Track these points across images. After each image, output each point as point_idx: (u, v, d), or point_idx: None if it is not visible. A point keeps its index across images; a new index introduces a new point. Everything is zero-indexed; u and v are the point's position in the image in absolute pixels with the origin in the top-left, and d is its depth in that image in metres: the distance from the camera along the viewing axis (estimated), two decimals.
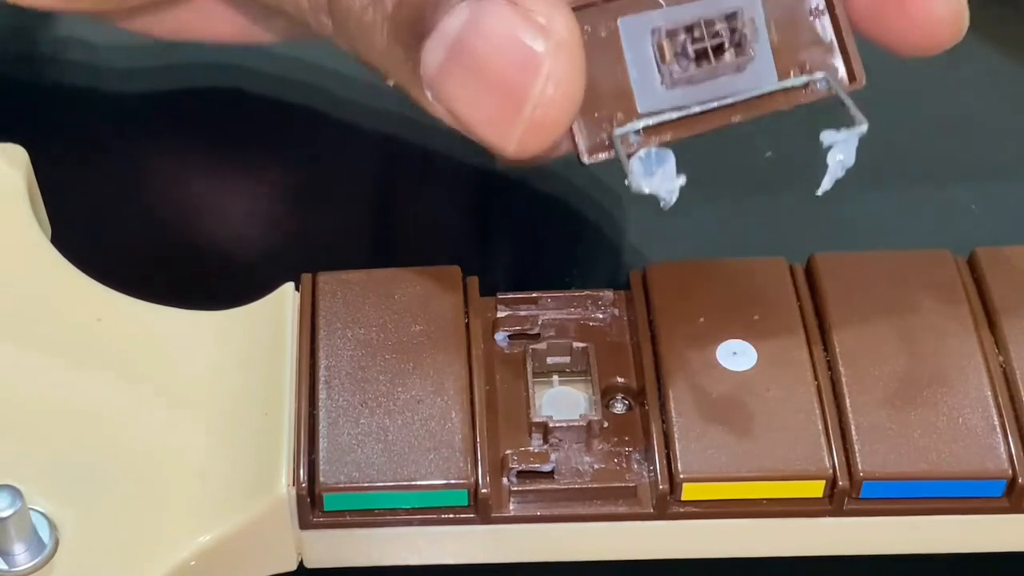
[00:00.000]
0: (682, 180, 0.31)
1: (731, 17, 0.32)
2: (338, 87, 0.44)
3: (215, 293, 0.36)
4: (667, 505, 0.32)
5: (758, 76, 0.32)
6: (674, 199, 0.31)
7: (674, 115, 0.32)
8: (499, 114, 0.31)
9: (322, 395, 0.33)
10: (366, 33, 0.32)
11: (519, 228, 0.42)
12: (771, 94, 0.33)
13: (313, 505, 0.32)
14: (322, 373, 0.34)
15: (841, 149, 0.32)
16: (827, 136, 0.32)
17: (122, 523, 0.32)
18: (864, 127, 0.32)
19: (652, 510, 0.33)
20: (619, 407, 0.34)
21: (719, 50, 0.32)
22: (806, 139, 0.42)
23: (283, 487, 0.32)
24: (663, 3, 0.32)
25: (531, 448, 0.33)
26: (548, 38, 0.30)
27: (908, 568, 0.35)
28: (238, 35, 0.41)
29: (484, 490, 0.32)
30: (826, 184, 0.32)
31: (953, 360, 0.34)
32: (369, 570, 0.34)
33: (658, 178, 0.31)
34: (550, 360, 0.35)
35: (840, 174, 0.32)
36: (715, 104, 0.32)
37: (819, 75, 0.32)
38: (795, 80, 0.32)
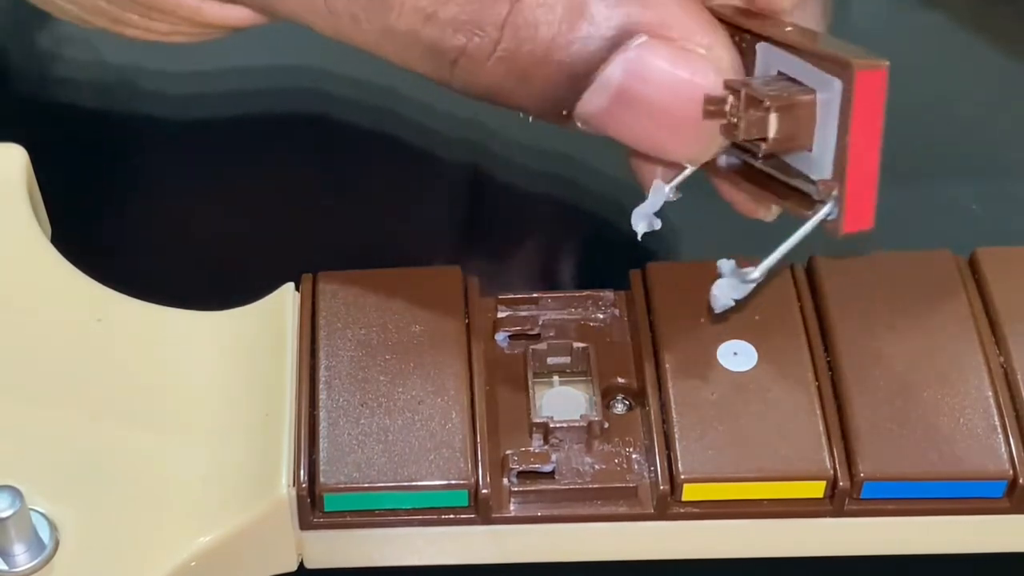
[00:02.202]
0: (657, 223, 0.33)
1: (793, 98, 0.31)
2: (338, 87, 0.44)
3: (215, 293, 0.36)
4: (668, 505, 0.32)
5: (813, 165, 0.32)
6: (640, 231, 0.33)
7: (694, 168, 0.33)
8: (672, 138, 0.32)
9: (322, 395, 0.33)
10: (514, 87, 0.32)
11: (519, 228, 0.42)
12: (790, 187, 0.32)
13: (313, 505, 0.32)
14: (322, 373, 0.34)
15: (725, 290, 0.32)
16: (722, 264, 0.32)
17: (122, 524, 0.32)
18: (754, 276, 0.31)
19: (653, 510, 0.33)
20: (619, 407, 0.34)
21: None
22: None
23: (283, 487, 0.32)
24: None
25: (532, 448, 0.33)
26: (712, 66, 0.31)
27: (909, 569, 0.35)
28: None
29: (484, 490, 0.32)
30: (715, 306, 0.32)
31: (954, 360, 0.34)
32: (369, 570, 0.34)
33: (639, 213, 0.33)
34: (550, 360, 0.35)
35: (717, 309, 0.32)
36: (742, 162, 0.33)
37: (829, 205, 0.31)
38: (810, 187, 0.31)
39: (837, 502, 0.32)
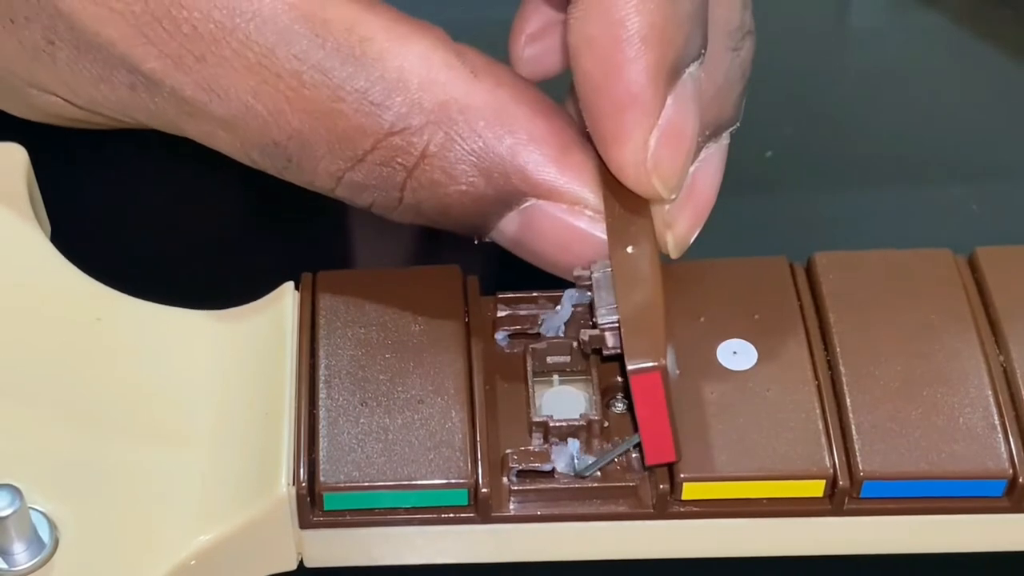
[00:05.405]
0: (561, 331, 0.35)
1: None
2: None
3: (215, 293, 0.36)
4: (667, 504, 0.32)
5: None
6: (549, 335, 0.35)
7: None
8: (570, 273, 0.34)
9: (322, 394, 0.33)
10: (427, 224, 0.35)
11: None
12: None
13: (313, 504, 0.32)
14: (322, 372, 0.34)
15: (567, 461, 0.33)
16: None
17: (122, 523, 0.32)
18: (581, 469, 0.33)
19: (652, 509, 0.33)
20: (619, 406, 0.34)
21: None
22: (806, 139, 0.42)
23: (283, 486, 0.32)
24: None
25: (531, 447, 0.33)
26: (595, 229, 0.34)
27: (908, 568, 0.35)
28: None
29: (484, 489, 0.32)
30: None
31: (953, 360, 0.34)
32: (369, 570, 0.34)
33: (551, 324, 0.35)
34: (550, 359, 0.35)
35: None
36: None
37: (636, 438, 0.32)
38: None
39: (837, 501, 0.32)
